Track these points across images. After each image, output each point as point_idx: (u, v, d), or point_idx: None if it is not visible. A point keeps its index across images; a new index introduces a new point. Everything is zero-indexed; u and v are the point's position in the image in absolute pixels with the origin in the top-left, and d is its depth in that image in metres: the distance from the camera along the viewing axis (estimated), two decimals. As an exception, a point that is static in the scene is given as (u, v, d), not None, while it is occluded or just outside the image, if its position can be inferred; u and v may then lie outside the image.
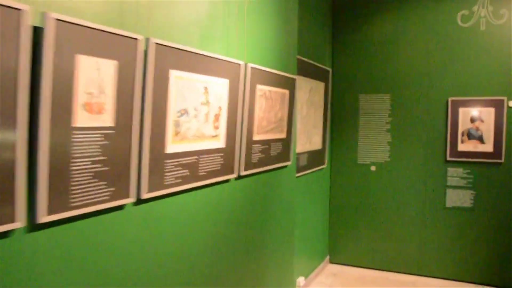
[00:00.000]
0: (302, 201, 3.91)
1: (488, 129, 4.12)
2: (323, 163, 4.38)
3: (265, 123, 2.56)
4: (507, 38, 4.08)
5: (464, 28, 4.20)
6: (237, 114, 2.25)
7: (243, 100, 2.29)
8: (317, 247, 4.43)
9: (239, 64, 2.23)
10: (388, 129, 4.44)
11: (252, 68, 2.35)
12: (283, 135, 2.82)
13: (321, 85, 4.17)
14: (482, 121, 4.14)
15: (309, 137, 3.94)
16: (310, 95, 3.92)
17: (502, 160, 4.09)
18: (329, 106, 4.42)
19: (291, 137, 2.96)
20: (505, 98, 4.07)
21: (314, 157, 4.13)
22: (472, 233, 4.23)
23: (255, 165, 2.50)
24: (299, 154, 3.68)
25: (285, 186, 3.00)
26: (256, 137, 2.48)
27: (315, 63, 4.03)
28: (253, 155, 2.47)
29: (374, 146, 4.49)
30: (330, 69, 4.39)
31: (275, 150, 2.73)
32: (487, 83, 4.12)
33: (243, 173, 2.37)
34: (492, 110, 4.11)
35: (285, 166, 2.99)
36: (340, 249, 4.69)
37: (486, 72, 4.12)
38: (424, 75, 4.29)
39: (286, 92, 2.81)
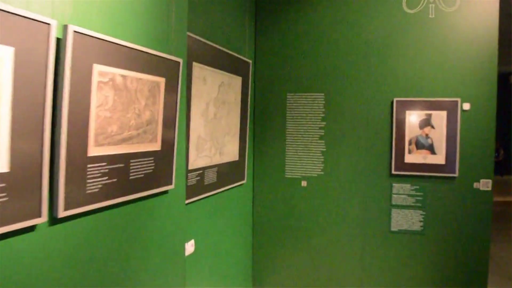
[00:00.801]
0: (212, 228, 2.91)
1: (439, 137, 3.28)
2: (242, 178, 3.38)
3: (116, 129, 1.51)
4: (461, 28, 3.25)
5: (410, 15, 3.35)
6: (44, 113, 1.19)
7: (57, 88, 1.23)
8: (238, 278, 3.41)
9: (43, 23, 1.17)
10: (321, 136, 3.50)
11: (77, 33, 1.30)
12: (155, 147, 1.78)
13: (237, 80, 3.17)
14: (432, 127, 3.29)
15: (219, 146, 2.92)
16: (221, 92, 2.91)
17: (456, 174, 3.27)
18: (249, 107, 3.38)
19: (173, 149, 1.91)
20: (458, 100, 3.26)
21: (228, 172, 3.14)
22: (421, 261, 3.38)
23: (95, 198, 1.43)
24: (198, 170, 2.65)
25: (167, 217, 1.97)
26: (95, 151, 1.41)
27: (229, 51, 3.04)
28: (89, 182, 1.40)
29: (304, 157, 3.54)
30: (250, 61, 3.37)
31: (141, 169, 1.68)
32: (438, 82, 3.29)
33: (63, 213, 1.30)
34: (444, 114, 3.27)
35: (165, 192, 1.93)
36: (265, 279, 3.70)
37: (437, 69, 3.29)
38: (364, 71, 3.40)
39: (161, 81, 1.78)
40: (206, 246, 2.87)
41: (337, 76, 3.48)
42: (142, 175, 1.74)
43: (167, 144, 1.90)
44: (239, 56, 3.23)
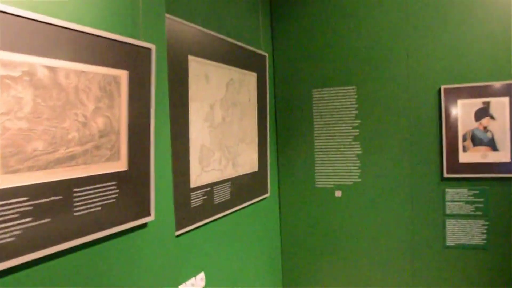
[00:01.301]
0: (228, 254, 2.41)
1: (501, 129, 2.60)
2: (264, 192, 2.81)
3: (43, 146, 0.98)
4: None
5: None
6: None
7: None
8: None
9: None
10: (355, 137, 2.89)
11: None
12: (117, 167, 1.25)
13: (251, 77, 2.63)
14: (492, 117, 2.62)
15: (231, 156, 2.38)
16: (230, 91, 2.36)
17: None
18: (268, 108, 2.81)
19: (149, 167, 1.38)
20: None
21: (246, 186, 2.61)
22: (484, 282, 2.72)
23: (7, 251, 0.91)
24: (205, 187, 2.15)
25: (146, 258, 1.45)
26: (3, 182, 0.88)
27: (238, 43, 2.51)
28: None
29: (337, 162, 2.93)
30: (267, 54, 2.81)
31: (94, 200, 1.14)
32: (496, 60, 2.60)
33: None
34: (506, 101, 2.60)
35: (142, 226, 1.39)
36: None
37: (494, 44, 2.60)
38: (403, 56, 2.76)
39: (121, 74, 1.24)
40: (222, 276, 2.33)
41: (370, 65, 2.87)
42: (99, 208, 1.20)
43: (138, 161, 1.37)
44: (252, 48, 2.68)
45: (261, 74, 2.82)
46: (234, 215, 2.50)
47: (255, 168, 2.75)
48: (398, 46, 2.81)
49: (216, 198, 2.30)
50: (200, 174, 2.15)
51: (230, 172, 2.44)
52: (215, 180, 2.28)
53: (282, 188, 3.14)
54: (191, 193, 2.08)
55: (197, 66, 2.11)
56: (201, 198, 2.16)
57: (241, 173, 2.56)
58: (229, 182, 2.43)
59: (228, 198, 2.42)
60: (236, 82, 2.50)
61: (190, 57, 2.06)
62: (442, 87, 2.72)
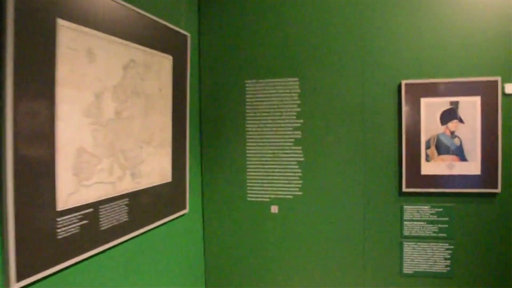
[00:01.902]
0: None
1: (471, 135, 2.07)
2: (182, 207, 2.15)
3: None
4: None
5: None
6: None
7: None
8: None
9: None
10: (297, 140, 2.27)
11: None
12: None
13: (164, 61, 2.00)
14: (460, 120, 2.08)
15: (128, 165, 1.70)
16: (130, 76, 1.68)
17: (498, 190, 2.06)
18: (189, 101, 2.13)
19: None
20: (498, 79, 2.02)
21: (155, 202, 2.00)
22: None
23: None
24: (83, 208, 1.49)
25: None
26: None
27: (147, 14, 1.81)
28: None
29: (274, 171, 2.31)
30: (188, 35, 2.14)
31: None
32: (466, 55, 2.08)
33: None
34: (477, 101, 2.06)
35: None
36: None
37: (465, 34, 2.08)
38: (357, 45, 2.17)
39: None
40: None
41: (317, 54, 2.28)
42: None
43: None
44: (167, 24, 2.01)
45: (179, 58, 2.16)
46: (136, 240, 1.83)
47: (168, 179, 2.08)
48: (352, 33, 2.24)
49: (104, 221, 1.61)
50: (76, 191, 1.46)
51: (128, 185, 1.75)
52: (103, 197, 1.60)
53: (206, 202, 2.47)
54: (58, 219, 1.38)
55: (73, 37, 1.43)
56: (77, 224, 1.47)
57: (145, 186, 1.88)
58: (126, 199, 1.75)
59: (125, 219, 1.73)
60: (139, 65, 1.81)
61: (61, 22, 1.37)
62: (403, 82, 2.16)
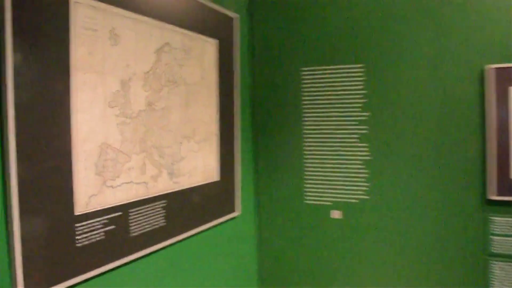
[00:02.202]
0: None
1: None
2: (230, 209, 1.90)
3: None
4: None
5: None
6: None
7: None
8: None
9: None
10: (363, 136, 1.94)
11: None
12: None
13: (208, 46, 1.78)
14: None
15: (165, 162, 1.48)
16: (165, 62, 1.43)
17: None
18: (237, 91, 1.87)
19: None
20: None
21: (198, 204, 1.79)
22: None
23: None
24: (107, 213, 1.28)
25: None
26: None
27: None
28: None
29: (336, 171, 1.98)
30: (236, 16, 1.87)
31: None
32: None
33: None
34: None
35: None
36: None
37: None
38: (431, 21, 1.78)
39: None
40: None
41: (384, 35, 1.91)
42: None
43: None
44: (211, 3, 1.75)
45: (226, 42, 1.91)
46: (175, 248, 1.61)
47: (214, 177, 1.84)
48: (426, 12, 1.84)
49: (136, 226, 1.39)
50: (100, 192, 1.24)
51: (165, 186, 1.53)
52: (133, 199, 1.38)
53: (261, 204, 2.20)
54: (77, 224, 1.17)
55: (90, 15, 1.20)
56: (101, 230, 1.26)
57: (186, 186, 1.64)
58: (163, 201, 1.52)
59: (162, 224, 1.51)
60: (177, 49, 1.58)
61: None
62: (488, 67, 1.74)
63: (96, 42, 1.26)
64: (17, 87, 1.04)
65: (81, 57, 1.20)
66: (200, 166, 1.75)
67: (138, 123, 1.41)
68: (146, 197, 1.47)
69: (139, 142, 1.42)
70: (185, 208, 1.67)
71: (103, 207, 1.30)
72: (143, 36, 1.43)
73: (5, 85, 1.02)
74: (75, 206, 1.21)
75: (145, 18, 1.44)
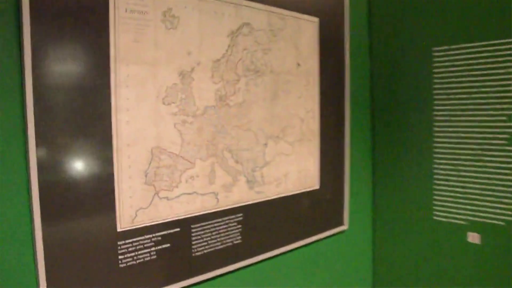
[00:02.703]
0: None
1: None
2: (337, 222, 1.54)
3: None
4: None
5: None
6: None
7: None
8: None
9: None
10: (517, 136, 1.36)
11: None
12: None
13: (306, 25, 1.46)
14: None
15: (243, 170, 1.21)
16: (242, 47, 1.14)
17: None
18: (347, 80, 1.48)
19: None
20: None
21: (286, 217, 1.50)
22: None
23: None
24: (173, 226, 1.05)
25: None
26: None
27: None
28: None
29: (476, 181, 1.42)
30: None
31: None
32: None
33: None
34: None
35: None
36: None
37: None
38: None
39: None
40: None
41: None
42: None
43: None
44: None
45: (330, 20, 1.51)
46: (254, 269, 1.33)
47: (312, 185, 1.49)
48: None
49: (200, 244, 1.15)
50: (150, 205, 1.02)
51: (242, 196, 1.26)
52: (197, 212, 1.14)
53: (378, 217, 1.77)
54: (120, 242, 0.97)
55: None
56: (152, 248, 1.04)
57: (271, 196, 1.35)
58: (239, 214, 1.26)
59: (237, 242, 1.24)
60: (261, 31, 1.27)
61: None
62: None
63: (145, 27, 1.02)
64: (38, 83, 0.85)
65: (124, 46, 0.98)
66: (293, 172, 1.41)
67: (204, 122, 1.15)
68: (215, 210, 1.20)
69: (206, 145, 1.15)
70: (270, 222, 1.36)
71: (155, 222, 1.07)
72: (211, 16, 1.15)
73: (24, 78, 0.84)
74: (118, 221, 1.00)
75: (215, -5, 1.15)
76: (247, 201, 1.29)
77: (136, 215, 1.04)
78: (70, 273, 0.94)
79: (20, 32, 0.85)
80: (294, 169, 1.43)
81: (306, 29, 1.43)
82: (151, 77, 1.04)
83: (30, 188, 0.87)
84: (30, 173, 0.87)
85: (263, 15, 1.29)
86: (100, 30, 0.95)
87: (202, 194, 1.18)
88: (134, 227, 1.04)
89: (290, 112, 1.39)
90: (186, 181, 1.13)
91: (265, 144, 1.32)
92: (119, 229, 1.02)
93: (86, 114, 0.94)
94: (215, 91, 1.18)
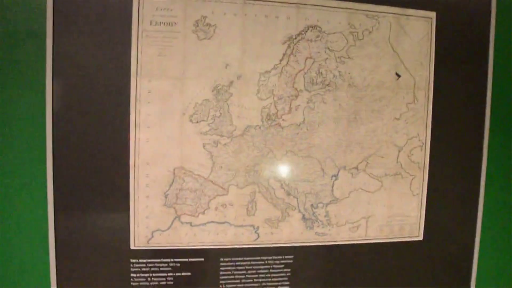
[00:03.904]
0: None
1: None
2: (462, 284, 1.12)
3: None
4: None
5: None
6: None
7: None
8: None
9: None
10: None
11: None
12: None
13: (411, 24, 1.06)
14: None
15: (296, 202, 1.01)
16: (312, 54, 0.99)
17: None
18: (488, 94, 1.05)
19: None
20: None
21: (364, 269, 1.12)
22: None
23: None
24: (191, 254, 0.97)
25: None
26: None
27: None
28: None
29: None
30: None
31: None
32: None
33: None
34: None
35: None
36: None
37: None
38: None
39: None
40: None
41: None
42: None
43: None
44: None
45: (456, 13, 1.07)
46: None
47: (414, 235, 1.10)
48: None
49: (230, 281, 1.02)
50: (170, 228, 0.96)
51: (295, 236, 1.04)
52: (230, 244, 1.00)
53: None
54: (133, 260, 0.96)
55: (166, 5, 0.93)
56: (169, 274, 0.98)
57: (343, 241, 1.06)
58: (289, 257, 1.04)
59: (283, 287, 1.04)
60: (334, 34, 1.01)
61: None
62: None
63: (172, 39, 0.92)
64: (56, 94, 0.88)
65: (148, 61, 0.91)
66: (379, 215, 1.06)
67: (244, 144, 0.97)
68: (255, 245, 1.00)
69: (246, 171, 0.97)
70: (335, 271, 1.05)
71: (175, 247, 0.97)
72: (260, 21, 0.96)
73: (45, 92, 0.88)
74: (131, 239, 0.94)
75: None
76: (301, 242, 1.02)
77: (152, 236, 0.95)
78: (81, 283, 0.93)
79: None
80: (382, 212, 1.06)
81: (414, 28, 1.03)
82: (178, 92, 0.93)
83: (47, 197, 0.90)
84: (47, 181, 0.89)
85: (339, 15, 0.99)
86: (121, 45, 0.90)
87: (237, 226, 0.99)
88: (149, 248, 0.96)
89: (380, 137, 1.04)
90: (216, 209, 0.97)
91: (335, 176, 1.02)
92: (132, 247, 0.95)
93: (103, 129, 0.90)
94: (261, 109, 0.97)
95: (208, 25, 0.94)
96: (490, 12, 1.06)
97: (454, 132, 1.07)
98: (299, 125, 1.00)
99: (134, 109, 0.92)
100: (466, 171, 1.09)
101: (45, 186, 0.89)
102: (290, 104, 0.99)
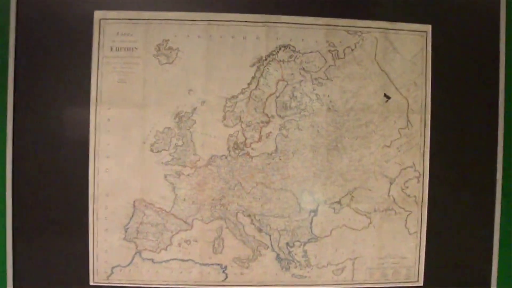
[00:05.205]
0: None
1: None
2: None
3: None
4: None
5: None
6: None
7: None
8: None
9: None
10: None
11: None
12: None
13: (401, 39, 0.91)
14: None
15: (271, 240, 0.90)
16: (287, 76, 0.89)
17: None
18: (500, 116, 0.86)
19: None
20: None
21: None
22: None
23: None
24: None
25: None
26: None
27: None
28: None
29: None
30: None
31: None
32: None
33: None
34: None
35: None
36: None
37: None
38: None
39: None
40: None
41: None
42: None
43: None
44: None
45: (454, 26, 0.89)
46: None
47: (411, 280, 0.92)
48: None
49: None
50: (131, 264, 0.88)
51: (269, 278, 0.91)
52: (195, 284, 0.90)
53: None
54: None
55: (127, 30, 0.86)
56: None
57: (324, 286, 0.90)
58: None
59: None
60: (310, 54, 0.88)
61: (98, 13, 0.85)
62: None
63: (133, 65, 0.84)
64: (15, 121, 0.84)
65: (108, 87, 0.84)
66: (368, 257, 0.89)
67: (209, 175, 0.86)
68: (221, 286, 0.87)
69: (211, 204, 0.86)
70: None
71: (136, 285, 0.86)
72: (225, 43, 0.85)
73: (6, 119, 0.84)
74: (90, 274, 0.86)
75: (232, 15, 0.85)
76: (276, 285, 0.88)
77: (112, 272, 0.86)
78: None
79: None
80: (371, 253, 0.88)
81: (405, 43, 0.87)
82: (138, 120, 0.84)
83: (6, 229, 0.85)
84: (6, 212, 0.84)
85: (316, 32, 0.86)
86: (81, 71, 0.83)
87: (203, 264, 0.87)
88: (109, 285, 0.86)
89: (367, 168, 0.87)
90: (179, 245, 0.86)
91: (314, 211, 0.87)
92: (91, 283, 0.86)
93: (62, 158, 0.84)
94: (227, 137, 0.85)
95: (170, 48, 0.85)
96: (499, 24, 0.86)
97: (459, 159, 0.87)
98: (271, 154, 0.86)
99: (94, 138, 0.84)
100: (477, 206, 0.88)
101: (5, 217, 0.84)
102: (260, 132, 0.86)
